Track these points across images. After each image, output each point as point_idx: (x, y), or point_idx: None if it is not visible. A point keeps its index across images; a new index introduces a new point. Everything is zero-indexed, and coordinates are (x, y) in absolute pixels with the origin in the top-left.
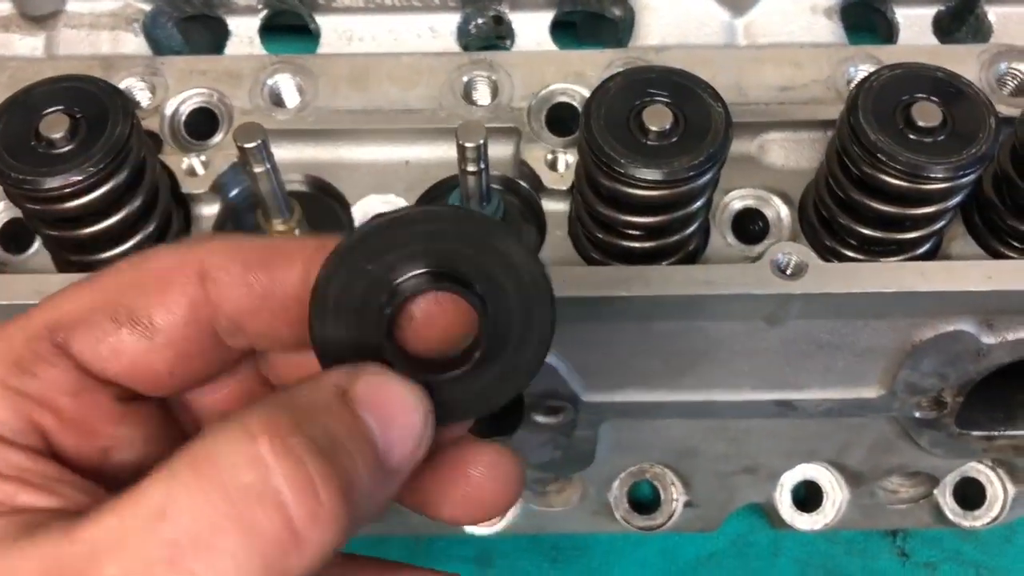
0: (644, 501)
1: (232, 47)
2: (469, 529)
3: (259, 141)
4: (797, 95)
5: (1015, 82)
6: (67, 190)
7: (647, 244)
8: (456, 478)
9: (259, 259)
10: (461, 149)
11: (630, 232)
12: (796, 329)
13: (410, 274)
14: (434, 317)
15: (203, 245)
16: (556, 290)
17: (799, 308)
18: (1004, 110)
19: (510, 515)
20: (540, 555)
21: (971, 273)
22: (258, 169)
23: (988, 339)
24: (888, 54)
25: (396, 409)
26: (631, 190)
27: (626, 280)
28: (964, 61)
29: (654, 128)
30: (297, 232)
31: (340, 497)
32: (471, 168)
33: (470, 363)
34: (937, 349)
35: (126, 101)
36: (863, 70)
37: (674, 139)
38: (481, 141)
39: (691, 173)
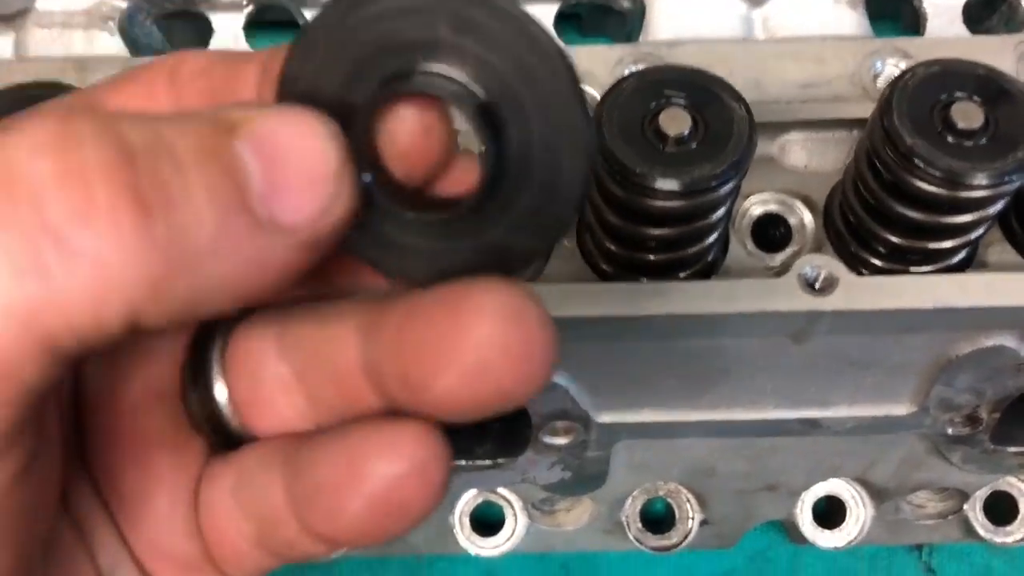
0: (657, 518)
1: (216, 45)
2: (474, 551)
3: None
4: (820, 92)
5: None
6: None
7: (663, 256)
8: (453, 331)
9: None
10: None
11: (645, 244)
12: (824, 345)
13: (397, 68)
14: (417, 134)
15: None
16: (565, 309)
17: (828, 325)
18: None
19: (517, 536)
20: (550, 574)
21: (1016, 286)
22: None
23: None
24: (917, 47)
25: (293, 144)
26: (648, 201)
27: (643, 298)
28: (999, 52)
29: (672, 134)
30: None
31: (129, 203)
32: None
33: (465, 205)
34: (974, 365)
35: None
36: (891, 64)
37: (693, 145)
38: None
39: (713, 183)
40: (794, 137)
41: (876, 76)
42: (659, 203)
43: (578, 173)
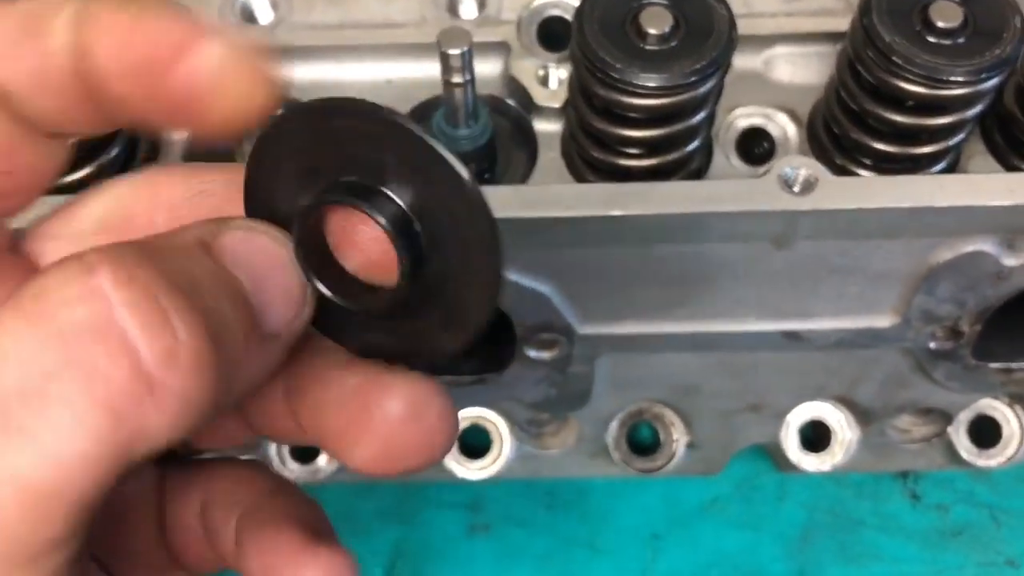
0: (644, 444)
1: None
2: (460, 474)
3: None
4: (805, 6)
5: None
6: None
7: (646, 162)
8: (367, 416)
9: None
10: (444, 57)
11: (628, 149)
12: (805, 251)
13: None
14: (350, 236)
15: None
16: (546, 209)
17: (809, 227)
18: None
19: (504, 458)
20: (535, 501)
21: (992, 186)
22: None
23: (1009, 261)
24: None
25: (269, 265)
26: (629, 99)
27: (622, 198)
28: None
29: (652, 31)
30: None
31: (203, 336)
32: (456, 79)
33: (389, 301)
34: (954, 272)
35: None
36: None
37: (674, 43)
38: (466, 48)
39: (693, 78)
40: (779, 51)
41: None
42: (641, 101)
43: (484, 308)
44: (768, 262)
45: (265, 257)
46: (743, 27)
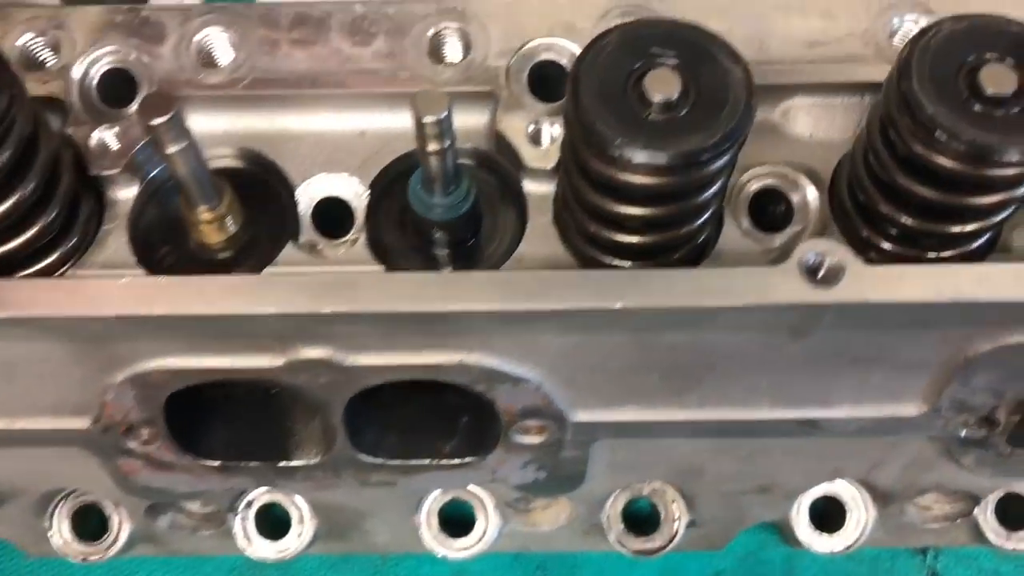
0: (642, 516)
1: None
2: (441, 554)
3: (173, 113)
4: (829, 52)
5: None
6: None
7: (647, 238)
8: None
9: None
10: (419, 125)
11: (626, 225)
12: (825, 341)
13: None
14: None
15: None
16: (532, 300)
17: (832, 318)
18: None
19: (489, 537)
20: (524, 573)
21: None
22: (172, 149)
23: None
24: (940, 1)
25: None
26: (628, 177)
27: (620, 287)
28: None
29: (658, 98)
30: (229, 220)
31: None
32: (433, 147)
33: None
34: (994, 363)
35: (3, 64)
36: (909, 20)
37: (683, 112)
38: (444, 114)
39: (704, 157)
40: (799, 102)
41: (892, 34)
42: (641, 179)
43: None
44: (783, 351)
45: None
46: (758, 75)
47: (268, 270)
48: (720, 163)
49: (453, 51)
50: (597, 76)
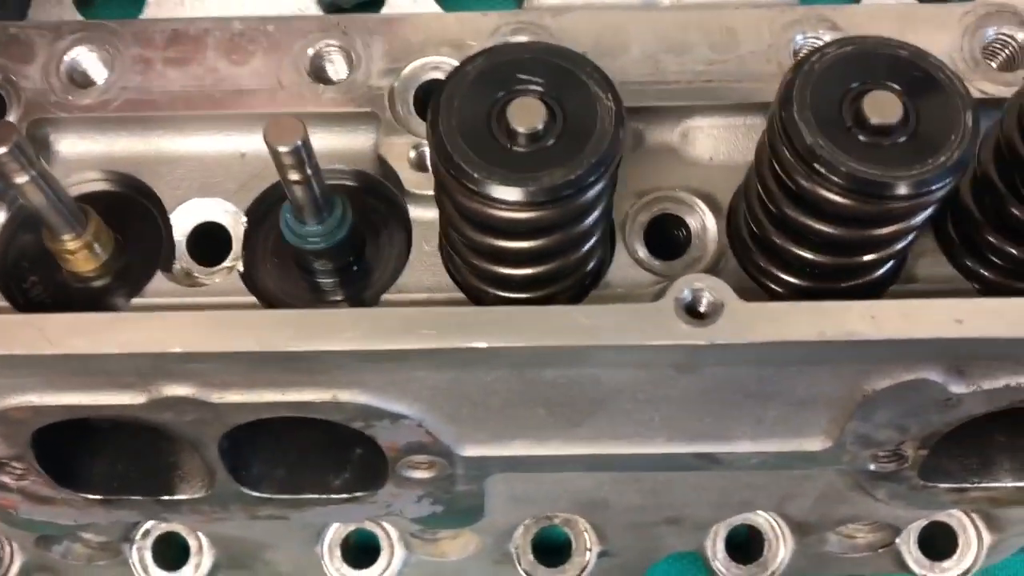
0: (555, 545)
1: (39, 10)
2: None
3: (12, 143)
4: (730, 70)
5: (1006, 52)
6: None
7: (526, 271)
8: None
9: None
10: (275, 154)
11: (501, 258)
12: (716, 376)
13: None
14: None
15: None
16: (391, 339)
17: (715, 356)
18: (989, 88)
19: (392, 567)
20: None
21: (937, 316)
22: (20, 180)
23: (958, 388)
24: (847, 17)
25: None
26: (493, 211)
27: (486, 326)
28: (943, 25)
29: (522, 129)
30: (97, 247)
31: None
32: (294, 176)
33: None
34: (894, 400)
35: None
36: (813, 37)
37: (550, 142)
38: (299, 142)
39: (568, 191)
40: (698, 123)
41: (797, 52)
42: (507, 214)
43: None
44: (672, 386)
45: None
46: (656, 96)
47: (136, 300)
48: (590, 195)
49: (336, 70)
50: (460, 106)
